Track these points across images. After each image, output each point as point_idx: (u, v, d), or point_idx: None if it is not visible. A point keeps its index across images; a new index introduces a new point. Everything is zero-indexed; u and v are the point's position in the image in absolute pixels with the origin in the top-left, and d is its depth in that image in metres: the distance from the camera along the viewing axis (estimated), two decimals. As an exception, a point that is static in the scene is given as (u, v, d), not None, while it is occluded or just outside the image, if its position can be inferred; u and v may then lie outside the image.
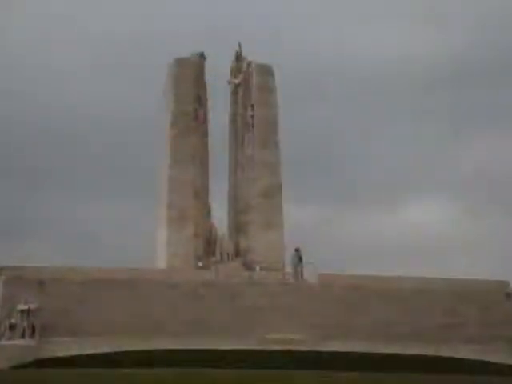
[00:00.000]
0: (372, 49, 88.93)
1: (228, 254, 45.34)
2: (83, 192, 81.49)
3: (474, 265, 62.43)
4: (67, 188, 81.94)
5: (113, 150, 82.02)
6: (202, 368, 26.22)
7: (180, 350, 30.52)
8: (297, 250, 40.16)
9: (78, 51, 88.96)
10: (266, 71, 48.97)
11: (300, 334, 34.07)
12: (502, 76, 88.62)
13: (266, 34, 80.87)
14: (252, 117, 48.20)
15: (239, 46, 50.89)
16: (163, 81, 49.67)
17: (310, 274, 39.37)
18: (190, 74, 47.80)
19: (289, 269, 41.53)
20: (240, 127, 49.15)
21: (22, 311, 31.95)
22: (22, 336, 31.54)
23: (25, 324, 31.77)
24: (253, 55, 50.02)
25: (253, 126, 48.09)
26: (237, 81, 50.15)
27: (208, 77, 49.38)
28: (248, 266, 44.08)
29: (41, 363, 27.99)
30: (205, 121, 48.68)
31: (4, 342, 31.01)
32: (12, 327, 31.76)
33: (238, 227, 47.77)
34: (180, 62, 48.09)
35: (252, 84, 48.94)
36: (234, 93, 50.51)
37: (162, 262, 44.50)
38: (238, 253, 46.39)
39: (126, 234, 71.96)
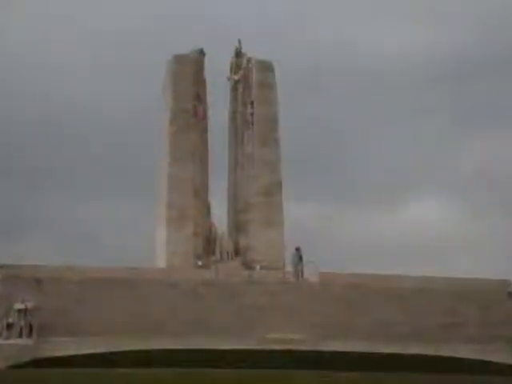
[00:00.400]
0: (372, 46, 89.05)
1: (228, 252, 45.29)
2: (83, 191, 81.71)
3: (474, 264, 62.50)
4: (67, 187, 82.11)
5: (113, 150, 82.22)
6: (202, 368, 26.17)
7: (179, 349, 30.50)
8: (297, 249, 40.13)
9: (78, 50, 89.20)
10: (266, 67, 48.89)
11: (300, 334, 34.03)
12: (503, 75, 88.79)
13: (266, 31, 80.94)
14: (252, 114, 48.12)
15: (239, 42, 50.80)
16: (162, 78, 49.63)
17: (310, 273, 39.34)
18: (189, 71, 47.71)
19: (289, 268, 41.49)
20: (240, 124, 49.07)
21: (20, 310, 31.90)
22: (20, 335, 31.50)
23: (22, 323, 31.73)
24: (253, 52, 50.03)
25: (253, 124, 48.02)
26: (236, 77, 50.05)
27: (207, 73, 49.39)
28: (248, 265, 44.04)
29: (38, 363, 27.95)
30: (204, 118, 48.60)
31: (1, 342, 30.93)
32: (9, 326, 31.72)
33: (237, 226, 47.71)
34: (179, 59, 47.99)
35: (252, 81, 48.87)
36: (234, 89, 50.42)
37: (161, 262, 44.47)
38: (237, 252, 46.34)
39: (126, 233, 72.02)
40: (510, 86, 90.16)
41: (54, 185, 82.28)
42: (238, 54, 50.66)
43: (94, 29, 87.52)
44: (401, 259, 64.59)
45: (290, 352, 31.55)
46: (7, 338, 31.29)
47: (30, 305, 32.05)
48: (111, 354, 29.60)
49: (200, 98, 48.13)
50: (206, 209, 47.35)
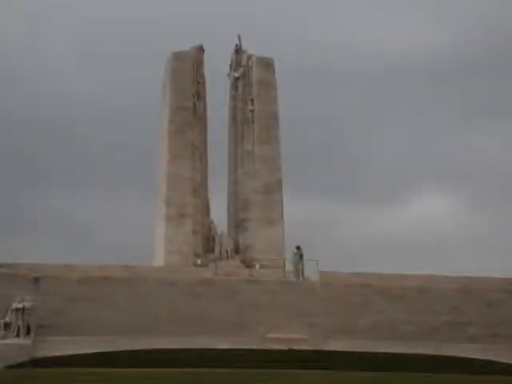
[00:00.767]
0: (372, 44, 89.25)
1: (227, 251, 45.17)
2: (82, 190, 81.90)
3: (478, 261, 62.36)
4: (66, 185, 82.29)
5: (113, 147, 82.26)
6: (201, 368, 26.02)
7: (178, 349, 30.37)
8: (298, 248, 39.95)
9: (77, 48, 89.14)
10: (267, 64, 48.77)
11: (301, 333, 33.90)
12: (502, 72, 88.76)
13: (266, 28, 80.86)
14: (252, 111, 47.99)
15: (239, 38, 50.65)
16: (162, 75, 49.52)
17: (311, 272, 39.21)
18: (188, 68, 47.60)
19: (289, 266, 41.33)
20: (240, 122, 48.96)
21: (17, 309, 31.72)
22: (17, 335, 31.34)
23: (19, 323, 31.56)
24: (253, 48, 49.91)
25: (253, 121, 47.90)
26: (236, 74, 49.93)
27: (207, 70, 49.26)
28: (248, 264, 43.90)
29: (36, 363, 27.78)
30: (204, 115, 48.47)
31: (-2, 341, 30.82)
32: (7, 326, 31.54)
33: (237, 224, 47.60)
34: (178, 56, 47.88)
35: (252, 78, 48.74)
36: (234, 87, 50.30)
37: (160, 260, 44.35)
38: (237, 250, 46.25)
39: (126, 232, 71.96)
40: (509, 82, 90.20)
41: (53, 183, 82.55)
42: (238, 50, 50.55)
43: (93, 26, 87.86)
44: (402, 257, 64.56)
45: (290, 352, 31.43)
46: (4, 337, 31.10)
47: (27, 304, 31.87)
48: (110, 353, 29.44)
49: (199, 94, 48.02)
50: (206, 207, 47.25)
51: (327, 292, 36.22)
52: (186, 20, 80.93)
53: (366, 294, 36.33)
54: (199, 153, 47.05)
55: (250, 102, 48.44)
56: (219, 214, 48.43)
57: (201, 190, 46.64)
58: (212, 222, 47.12)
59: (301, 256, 39.76)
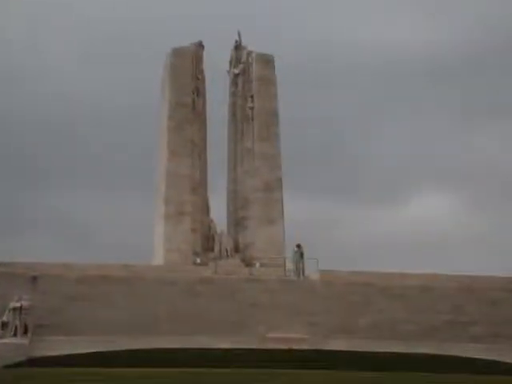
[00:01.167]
0: (372, 41, 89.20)
1: (227, 249, 45.16)
2: (82, 188, 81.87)
3: (479, 260, 62.39)
4: (65, 184, 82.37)
5: (113, 148, 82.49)
6: (201, 368, 26.00)
7: (177, 348, 30.34)
8: (298, 246, 39.92)
9: (78, 49, 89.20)
10: (267, 61, 48.72)
11: (301, 333, 33.88)
12: (503, 70, 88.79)
13: (266, 24, 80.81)
14: (252, 108, 47.94)
15: (238, 34, 50.58)
16: (161, 71, 49.46)
17: (311, 271, 39.18)
18: (187, 64, 47.56)
19: (290, 265, 41.31)
20: (239, 119, 48.92)
21: (15, 309, 31.69)
22: (14, 334, 31.31)
23: (17, 322, 31.51)
24: (253, 45, 49.85)
25: (252, 118, 47.86)
26: (236, 71, 49.88)
27: (206, 67, 49.20)
28: (248, 263, 43.90)
29: (34, 362, 27.73)
30: (203, 112, 48.41)
31: (-4, 341, 30.80)
32: (4, 325, 31.53)
33: (237, 222, 47.57)
34: (177, 52, 47.83)
35: (252, 74, 48.67)
36: (234, 83, 50.25)
37: (159, 259, 44.33)
38: (237, 249, 46.24)
39: (127, 232, 72.01)
40: (510, 82, 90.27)
41: (53, 183, 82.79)
42: (238, 46, 50.48)
43: (93, 25, 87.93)
44: (402, 257, 64.59)
45: (290, 351, 31.41)
46: (2, 337, 31.02)
47: (25, 303, 31.84)
48: (108, 353, 29.41)
49: (199, 91, 47.96)
50: (205, 205, 47.22)
51: (328, 291, 36.19)
52: (186, 19, 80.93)
53: (367, 293, 36.30)
54: (198, 150, 47.01)
55: (249, 99, 48.39)
56: (219, 213, 48.47)
57: (200, 188, 46.61)
58: (211, 220, 47.09)
59: (301, 254, 39.73)
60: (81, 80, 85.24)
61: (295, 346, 32.28)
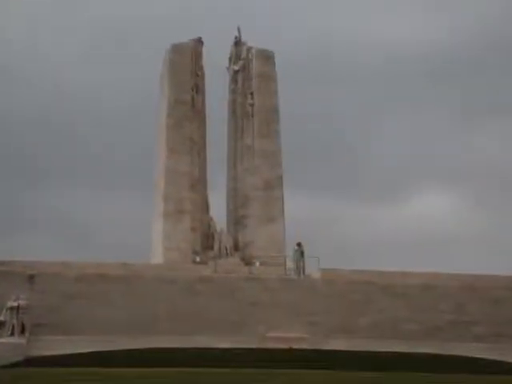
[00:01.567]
0: (372, 39, 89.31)
1: (227, 248, 45.12)
2: (83, 190, 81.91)
3: (479, 260, 62.31)
4: (66, 185, 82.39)
5: (113, 148, 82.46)
6: (200, 367, 25.98)
7: (176, 348, 30.31)
8: (298, 245, 39.90)
9: (78, 48, 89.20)
10: (267, 57, 48.62)
11: (301, 332, 33.85)
12: (502, 68, 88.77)
13: (267, 20, 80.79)
14: (252, 105, 47.87)
15: (238, 30, 50.46)
16: (160, 68, 49.39)
17: (312, 270, 39.14)
18: (187, 61, 47.48)
19: (290, 264, 41.28)
20: (239, 116, 48.84)
21: (12, 308, 31.67)
22: (12, 334, 31.29)
23: (14, 321, 31.49)
24: (252, 41, 49.76)
25: (252, 115, 47.78)
26: (236, 67, 49.78)
27: (206, 64, 49.08)
28: (247, 261, 43.86)
29: (31, 362, 27.73)
30: (202, 109, 48.34)
31: (-8, 340, 30.78)
32: (1, 325, 31.48)
33: (237, 221, 47.52)
34: (176, 48, 47.74)
35: (252, 71, 48.58)
36: (233, 80, 50.16)
37: (158, 257, 44.28)
38: (237, 247, 46.20)
39: (127, 232, 72.04)
40: (509, 77, 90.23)
41: (53, 183, 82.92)
42: (238, 43, 50.37)
43: (94, 27, 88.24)
44: (403, 255, 64.59)
45: (290, 351, 31.38)
46: (-1, 336, 31.14)
47: (22, 302, 31.81)
48: (106, 352, 29.38)
49: (198, 88, 47.87)
50: (205, 203, 47.16)
51: (328, 290, 36.15)
52: (185, 16, 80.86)
53: (368, 291, 36.26)
54: (198, 147, 46.95)
55: (249, 96, 48.30)
56: (218, 211, 48.41)
57: (199, 185, 46.56)
58: (211, 218, 47.05)
59: (302, 253, 39.71)
60: (81, 79, 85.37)
61: (295, 346, 32.27)
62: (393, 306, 35.86)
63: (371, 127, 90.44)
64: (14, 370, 25.63)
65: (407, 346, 32.78)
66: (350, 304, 35.65)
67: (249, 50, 49.46)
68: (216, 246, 45.01)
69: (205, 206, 47.16)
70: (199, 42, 48.74)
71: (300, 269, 39.37)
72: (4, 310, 31.70)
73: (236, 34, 50.43)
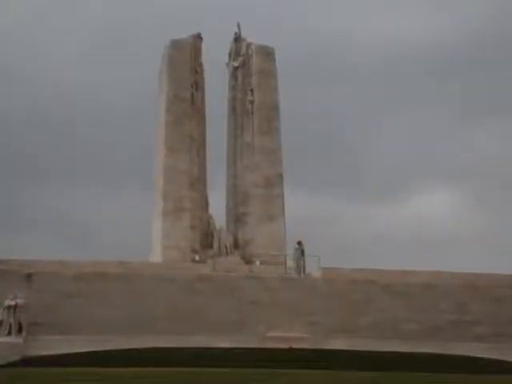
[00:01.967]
0: (372, 34, 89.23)
1: (226, 246, 45.07)
2: (82, 190, 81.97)
3: (479, 260, 62.29)
4: (66, 185, 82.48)
5: (113, 148, 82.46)
6: (199, 367, 25.96)
7: (175, 348, 30.29)
8: (299, 243, 39.85)
9: (78, 48, 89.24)
10: (267, 53, 48.52)
11: (301, 332, 33.83)
12: (502, 64, 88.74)
13: (266, 16, 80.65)
14: (252, 102, 47.76)
15: (238, 26, 50.34)
16: (159, 64, 49.29)
17: (312, 268, 39.10)
18: (186, 57, 47.36)
19: (290, 262, 41.24)
20: (239, 113, 48.75)
21: (9, 307, 31.67)
22: (9, 333, 31.30)
23: (11, 321, 31.51)
24: (252, 37, 49.64)
25: (252, 112, 47.68)
26: (236, 64, 49.68)
27: (205, 60, 48.96)
28: (247, 260, 43.81)
29: (28, 362, 27.74)
30: (202, 106, 48.24)
31: (-10, 340, 30.77)
32: (-2, 324, 31.54)
33: (236, 218, 47.46)
34: (175, 44, 47.61)
35: (252, 67, 48.48)
36: (233, 76, 50.06)
37: (157, 256, 44.24)
38: (236, 245, 46.15)
39: (127, 232, 72.03)
40: (510, 77, 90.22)
41: (53, 183, 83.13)
42: (238, 39, 50.26)
43: (94, 26, 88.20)
44: (404, 254, 64.61)
45: (290, 351, 31.36)
46: (-4, 335, 31.12)
47: (19, 301, 31.81)
48: (104, 352, 29.37)
49: (197, 84, 47.76)
50: (204, 201, 47.11)
51: (329, 289, 36.13)
52: (185, 12, 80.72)
53: (369, 290, 36.25)
54: (197, 145, 46.87)
55: (249, 92, 48.22)
56: (218, 209, 48.35)
57: (199, 183, 46.50)
58: (211, 216, 46.99)
59: (302, 252, 39.66)
60: (81, 79, 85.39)
61: (295, 346, 32.24)
62: (394, 305, 35.83)
63: (371, 126, 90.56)
64: (10, 370, 25.62)
65: (408, 345, 32.76)
66: (350, 303, 35.63)
67: (249, 46, 49.35)
68: (215, 245, 44.96)
69: (204, 204, 47.11)
70: (198, 37, 48.61)
71: (300, 268, 39.33)
72: (1, 309, 31.73)
73: (236, 29, 50.32)
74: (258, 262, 42.13)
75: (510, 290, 37.43)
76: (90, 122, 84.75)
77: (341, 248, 63.41)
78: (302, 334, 33.77)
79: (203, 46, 48.88)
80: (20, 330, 31.54)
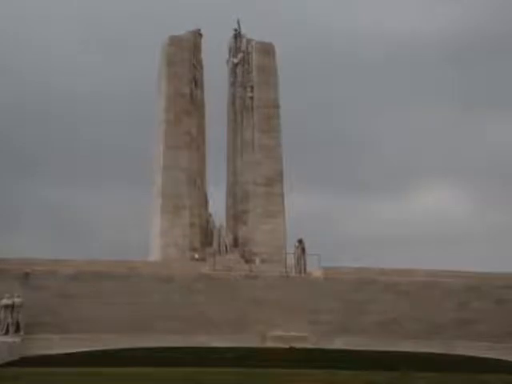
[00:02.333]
0: (373, 27, 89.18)
1: (226, 245, 45.00)
2: (82, 188, 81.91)
3: (479, 259, 62.22)
4: (65, 184, 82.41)
5: (113, 147, 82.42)
6: (199, 367, 25.89)
7: (174, 347, 30.26)
8: (299, 241, 39.76)
9: (78, 47, 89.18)
10: (267, 50, 48.45)
11: (302, 331, 33.77)
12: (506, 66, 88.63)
13: (266, 12, 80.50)
14: (251, 98, 47.67)
15: (238, 22, 50.26)
16: (158, 61, 49.14)
17: (313, 267, 39.03)
18: (185, 53, 47.22)
19: (291, 261, 41.13)
20: (239, 110, 48.67)
21: (6, 306, 31.66)
22: (6, 333, 31.27)
23: (9, 320, 31.51)
24: (252, 33, 49.54)
25: (252, 109, 47.59)
26: (236, 60, 49.59)
27: (205, 56, 48.86)
28: (247, 258, 43.73)
29: (26, 361, 27.66)
30: (201, 103, 48.14)
31: (-13, 340, 30.70)
32: (-5, 323, 31.50)
33: (236, 217, 47.40)
34: (175, 40, 47.48)
35: (252, 64, 48.38)
36: (233, 73, 49.96)
37: (156, 254, 44.15)
38: (236, 244, 46.10)
39: (127, 232, 71.94)
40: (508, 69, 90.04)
41: (52, 182, 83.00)
42: (237, 35, 50.18)
43: (93, 25, 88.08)
44: (406, 253, 64.55)
45: (291, 350, 31.30)
46: (-7, 335, 31.07)
47: (17, 300, 31.78)
48: (102, 352, 29.32)
49: (197, 81, 47.66)
50: (204, 199, 47.03)
51: (330, 288, 36.06)
52: (184, 8, 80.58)
53: (371, 289, 36.21)
54: (197, 142, 46.78)
55: (249, 89, 48.15)
56: (218, 207, 48.27)
57: (198, 180, 46.40)
58: (210, 214, 46.92)
59: (303, 250, 39.59)
60: (81, 78, 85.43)
61: (296, 345, 32.17)
62: (396, 304, 35.80)
63: (372, 122, 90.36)
64: (8, 370, 25.52)
65: (410, 345, 32.73)
66: (351, 302, 35.58)
67: (248, 42, 49.28)
68: (215, 243, 44.87)
69: (204, 202, 47.03)
70: (198, 34, 48.49)
71: (301, 266, 39.25)
72: (-2, 309, 31.68)
73: (235, 26, 50.22)
74: (258, 261, 42.08)
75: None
76: (89, 119, 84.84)
77: (342, 246, 63.38)
78: (302, 333, 33.71)
79: (203, 42, 48.77)
80: (18, 330, 31.51)
